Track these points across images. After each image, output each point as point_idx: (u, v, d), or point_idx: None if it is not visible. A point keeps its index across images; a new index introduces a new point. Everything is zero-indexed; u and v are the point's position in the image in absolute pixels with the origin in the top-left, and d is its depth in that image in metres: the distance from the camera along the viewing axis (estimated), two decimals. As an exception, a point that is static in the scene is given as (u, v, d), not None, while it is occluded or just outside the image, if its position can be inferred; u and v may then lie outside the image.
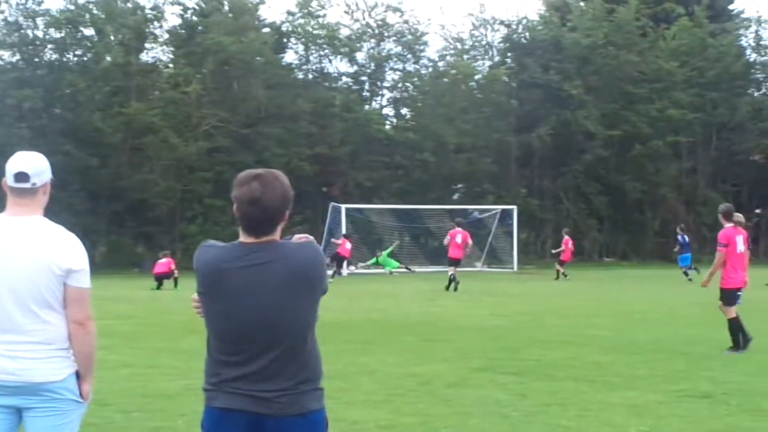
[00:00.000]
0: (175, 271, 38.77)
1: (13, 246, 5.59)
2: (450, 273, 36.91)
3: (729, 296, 17.86)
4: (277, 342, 5.00)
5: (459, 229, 38.11)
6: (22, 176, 5.66)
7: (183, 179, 57.70)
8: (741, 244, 17.98)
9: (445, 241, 38.30)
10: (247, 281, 4.99)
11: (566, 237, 46.99)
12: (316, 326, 5.16)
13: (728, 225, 18.15)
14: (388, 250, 50.88)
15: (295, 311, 5.03)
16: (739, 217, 24.44)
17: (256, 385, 4.99)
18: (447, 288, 36.08)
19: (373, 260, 51.11)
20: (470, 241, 39.58)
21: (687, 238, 44.90)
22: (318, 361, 5.19)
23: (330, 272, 41.06)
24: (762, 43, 75.34)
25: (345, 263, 47.97)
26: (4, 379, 5.59)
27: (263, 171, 5.13)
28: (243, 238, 5.10)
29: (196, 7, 63.48)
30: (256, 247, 5.05)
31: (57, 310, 5.61)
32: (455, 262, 37.21)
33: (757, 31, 75.36)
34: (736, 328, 17.72)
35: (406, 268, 51.02)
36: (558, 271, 45.84)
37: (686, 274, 42.56)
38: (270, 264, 5.01)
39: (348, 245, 46.56)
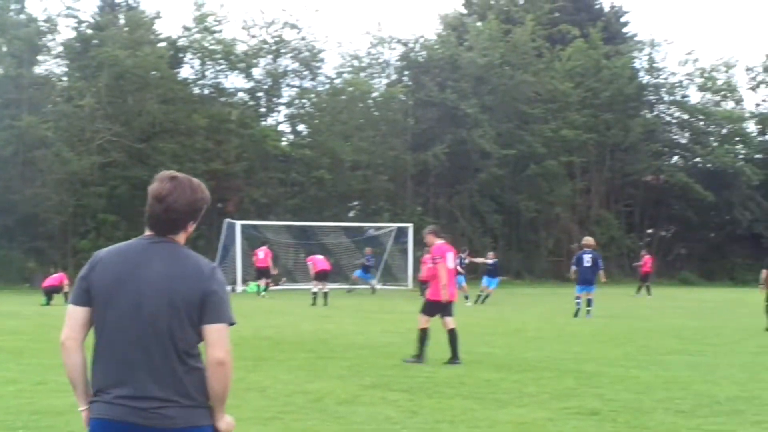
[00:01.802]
0: (66, 286, 37.70)
1: None
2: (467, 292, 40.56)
3: (433, 308, 18.63)
4: (157, 347, 4.89)
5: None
6: None
7: (76, 194, 56.92)
8: (451, 261, 18.56)
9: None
10: (134, 271, 4.96)
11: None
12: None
13: (438, 242, 18.86)
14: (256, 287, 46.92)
15: (175, 312, 4.91)
16: (588, 240, 26.06)
17: (135, 394, 4.89)
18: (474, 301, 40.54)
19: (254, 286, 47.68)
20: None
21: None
22: (203, 376, 5.02)
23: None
24: (655, 65, 76.96)
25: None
26: None
27: (182, 175, 5.12)
28: (147, 233, 5.11)
29: (91, 20, 62.77)
30: (155, 239, 5.05)
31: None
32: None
33: (650, 54, 77.31)
34: (423, 338, 18.40)
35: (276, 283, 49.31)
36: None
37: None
38: (163, 260, 4.98)
39: (261, 254, 44.34)
